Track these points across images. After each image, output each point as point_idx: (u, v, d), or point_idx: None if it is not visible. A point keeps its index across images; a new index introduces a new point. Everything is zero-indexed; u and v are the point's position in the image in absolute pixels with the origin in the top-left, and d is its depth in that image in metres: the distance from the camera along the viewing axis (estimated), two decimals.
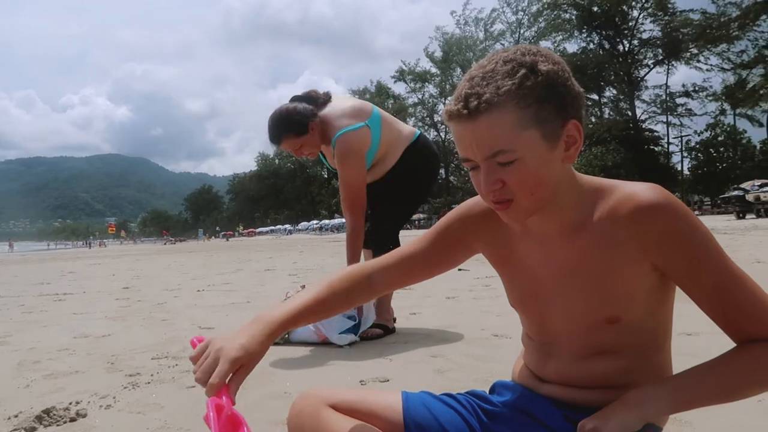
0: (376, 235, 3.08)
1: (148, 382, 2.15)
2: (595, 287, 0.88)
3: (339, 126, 2.81)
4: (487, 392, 1.10)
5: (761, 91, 44.28)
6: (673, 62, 51.89)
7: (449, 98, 0.94)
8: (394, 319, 3.12)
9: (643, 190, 0.83)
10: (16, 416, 1.76)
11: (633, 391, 0.82)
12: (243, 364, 0.88)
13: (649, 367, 0.91)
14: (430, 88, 66.40)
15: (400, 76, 66.40)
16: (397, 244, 3.11)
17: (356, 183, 2.85)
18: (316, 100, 2.92)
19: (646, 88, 54.77)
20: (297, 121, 2.79)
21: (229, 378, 0.85)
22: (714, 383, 0.82)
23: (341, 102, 2.98)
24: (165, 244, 61.13)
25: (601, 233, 0.86)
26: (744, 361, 0.82)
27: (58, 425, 1.70)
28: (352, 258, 2.87)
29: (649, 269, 0.85)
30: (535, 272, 0.96)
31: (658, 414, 0.83)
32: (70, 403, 1.88)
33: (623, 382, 0.89)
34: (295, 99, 2.93)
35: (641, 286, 0.86)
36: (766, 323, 0.81)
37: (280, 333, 0.97)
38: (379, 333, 2.91)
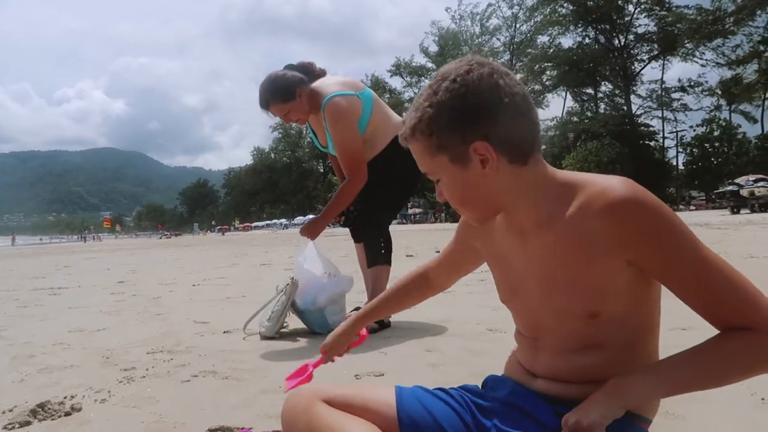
0: (367, 229, 3.09)
1: (143, 377, 2.15)
2: (571, 281, 0.89)
3: (329, 91, 2.81)
4: (480, 387, 1.11)
5: (756, 86, 44.38)
6: (668, 57, 51.92)
7: None
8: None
9: (615, 185, 0.84)
10: (10, 410, 1.76)
11: (612, 380, 0.83)
12: (325, 351, 1.42)
13: (636, 362, 0.92)
14: (427, 81, 66.22)
15: (397, 69, 66.22)
16: (387, 237, 3.11)
17: (352, 146, 2.84)
18: (311, 72, 2.93)
19: (642, 83, 54.83)
20: (283, 87, 2.79)
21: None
22: (695, 371, 0.82)
23: (334, 77, 3.00)
24: (160, 238, 60.96)
25: (573, 228, 0.87)
26: (724, 349, 0.82)
27: (52, 419, 1.70)
28: (332, 207, 2.90)
29: (625, 264, 0.85)
30: (516, 268, 0.99)
31: (639, 401, 0.83)
32: (65, 397, 1.88)
33: (609, 376, 0.90)
34: (288, 67, 2.93)
35: (619, 280, 0.87)
36: (745, 311, 0.81)
37: (359, 326, 1.40)
38: (374, 327, 2.91)
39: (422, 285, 1.32)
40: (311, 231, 2.96)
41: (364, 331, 1.42)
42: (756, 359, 0.81)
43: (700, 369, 0.82)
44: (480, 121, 0.86)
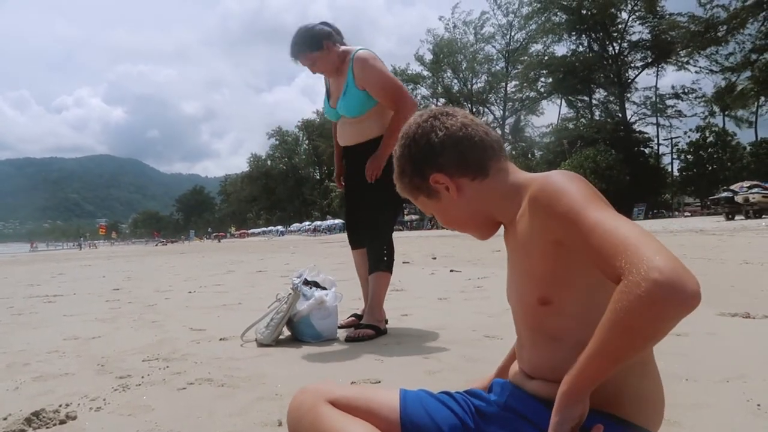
0: (370, 235, 3.10)
1: (139, 384, 2.14)
2: (523, 270, 0.99)
3: (356, 48, 3.00)
4: (486, 391, 1.12)
5: (749, 94, 44.63)
6: (662, 65, 52.24)
7: (441, 99, 1.08)
8: (386, 321, 3.12)
9: (536, 182, 0.95)
10: (5, 419, 1.75)
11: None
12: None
13: None
14: (422, 90, 66.38)
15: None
16: (390, 244, 3.11)
17: (391, 79, 2.98)
18: (340, 34, 3.07)
19: (636, 89, 55.12)
20: (310, 37, 2.94)
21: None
22: (606, 348, 0.77)
23: None
24: (156, 245, 60.89)
25: (520, 223, 0.98)
26: (610, 312, 0.75)
27: (47, 428, 1.69)
28: (388, 141, 2.91)
29: (553, 247, 0.91)
30: (507, 265, 1.11)
31: (578, 395, 0.81)
32: (60, 406, 1.87)
33: None
34: (322, 23, 3.05)
35: (558, 265, 0.92)
36: (613, 258, 0.77)
37: (502, 375, 1.24)
38: (370, 334, 2.91)
39: None
40: (374, 167, 2.97)
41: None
42: (625, 312, 0.73)
43: (608, 344, 0.76)
44: (428, 159, 1.06)
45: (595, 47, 54.29)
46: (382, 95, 2.96)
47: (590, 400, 0.85)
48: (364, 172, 3.01)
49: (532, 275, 0.96)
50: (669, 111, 53.66)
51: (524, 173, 1.05)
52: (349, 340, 2.87)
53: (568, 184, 0.89)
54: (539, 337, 0.99)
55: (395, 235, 3.10)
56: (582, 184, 0.91)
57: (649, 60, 52.46)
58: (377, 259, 3.07)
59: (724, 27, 44.98)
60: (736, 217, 21.09)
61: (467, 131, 1.05)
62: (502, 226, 1.18)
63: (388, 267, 3.08)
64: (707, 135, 47.43)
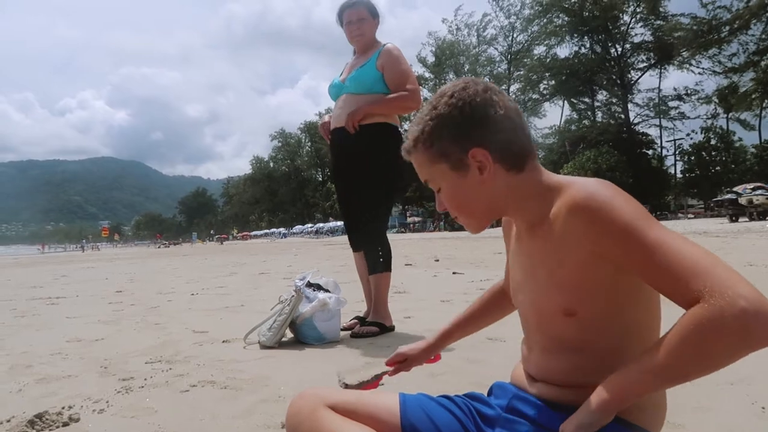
0: (366, 236, 3.13)
1: (142, 386, 2.14)
2: (547, 277, 0.94)
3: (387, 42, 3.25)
4: (486, 394, 1.11)
5: (753, 96, 44.48)
6: (664, 66, 52.14)
7: None
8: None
9: (578, 189, 0.89)
10: (8, 421, 1.75)
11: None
12: (406, 359, 1.38)
13: None
14: (425, 92, 66.39)
15: None
16: (385, 244, 3.12)
17: (412, 73, 3.22)
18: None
19: (639, 91, 55.01)
20: (374, 5, 3.26)
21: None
22: (657, 369, 0.76)
23: None
24: (159, 247, 61.05)
25: (551, 228, 0.92)
26: (675, 336, 0.75)
27: (50, 430, 1.69)
28: (379, 103, 3.07)
29: (591, 259, 0.87)
30: (515, 266, 1.06)
31: (611, 407, 0.80)
32: (63, 408, 1.87)
33: (601, 380, 0.90)
34: None
35: (593, 277, 0.88)
36: (688, 281, 0.75)
37: (442, 342, 1.36)
38: (374, 331, 2.93)
39: (501, 299, 1.33)
40: (351, 120, 3.05)
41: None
42: (702, 336, 0.71)
43: (675, 365, 0.75)
44: (477, 130, 0.94)
45: (598, 49, 54.20)
46: (398, 78, 3.07)
47: None
48: (353, 167, 3.10)
49: (559, 284, 0.92)
50: (672, 113, 53.55)
51: (555, 175, 0.98)
52: (354, 336, 2.91)
53: (615, 197, 0.85)
54: (552, 344, 0.96)
55: (397, 237, 3.12)
56: (628, 197, 0.87)
57: (652, 62, 52.37)
58: (374, 261, 3.11)
59: (727, 28, 44.83)
60: (740, 219, 21.03)
61: (521, 119, 0.98)
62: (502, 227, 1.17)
63: (386, 267, 3.10)
64: (711, 136, 47.27)
